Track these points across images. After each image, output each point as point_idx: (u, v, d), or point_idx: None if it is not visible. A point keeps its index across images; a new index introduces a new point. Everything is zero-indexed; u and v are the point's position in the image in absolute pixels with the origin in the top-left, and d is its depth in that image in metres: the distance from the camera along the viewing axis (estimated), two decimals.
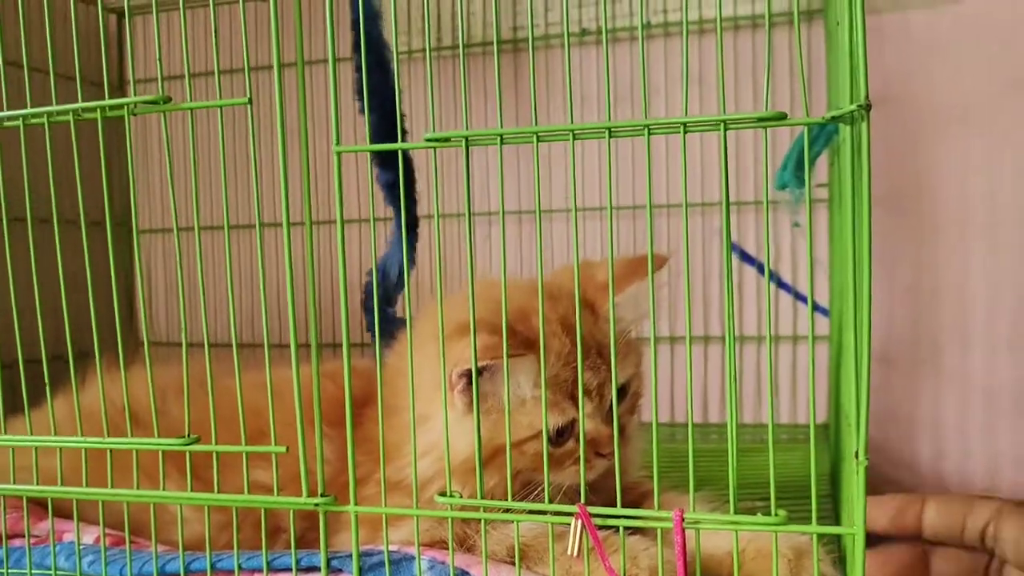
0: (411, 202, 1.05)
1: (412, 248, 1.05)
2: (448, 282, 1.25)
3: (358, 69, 1.01)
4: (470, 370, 0.59)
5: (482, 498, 0.58)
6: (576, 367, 0.60)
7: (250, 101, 0.59)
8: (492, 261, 1.30)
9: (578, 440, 0.65)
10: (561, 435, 0.67)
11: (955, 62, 1.11)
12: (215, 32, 0.60)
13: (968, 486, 1.13)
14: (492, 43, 1.30)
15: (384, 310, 1.04)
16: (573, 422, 0.66)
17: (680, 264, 1.19)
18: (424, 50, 1.33)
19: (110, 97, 0.63)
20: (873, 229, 1.26)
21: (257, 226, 0.60)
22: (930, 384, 1.14)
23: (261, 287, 0.59)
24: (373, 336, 0.86)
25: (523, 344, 0.63)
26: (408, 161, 1.04)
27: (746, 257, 1.19)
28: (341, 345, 0.59)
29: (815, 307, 1.15)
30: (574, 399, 0.65)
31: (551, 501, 0.58)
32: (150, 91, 0.62)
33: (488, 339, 0.60)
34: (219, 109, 0.60)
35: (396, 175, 0.96)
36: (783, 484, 0.81)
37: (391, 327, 0.91)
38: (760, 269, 1.19)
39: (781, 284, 1.18)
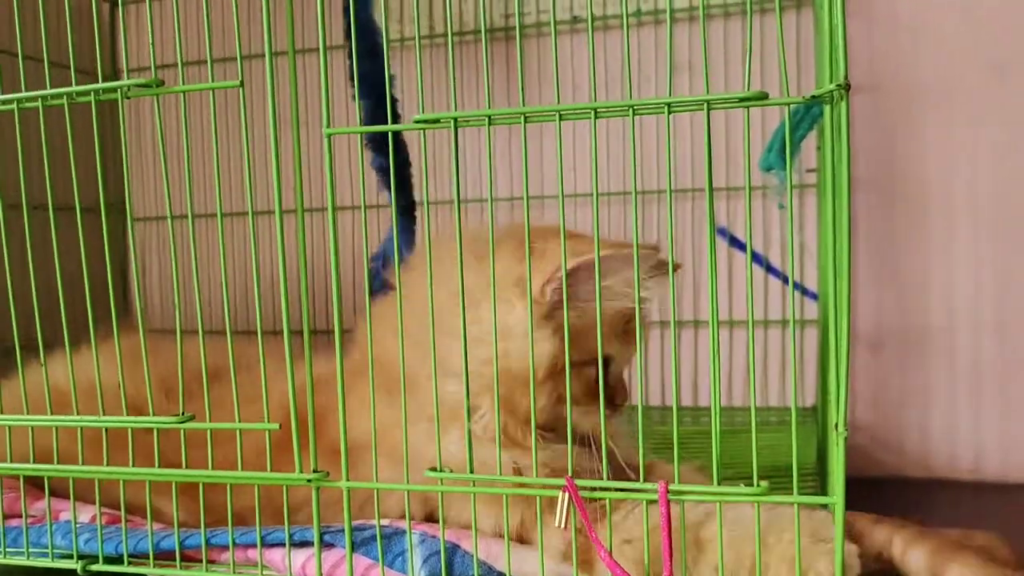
0: (406, 185, 1.05)
1: (411, 232, 1.05)
2: None
3: (351, 55, 1.02)
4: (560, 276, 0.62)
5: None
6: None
7: (242, 84, 0.59)
8: None
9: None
10: (607, 366, 0.69)
11: (940, 46, 1.13)
12: (207, 17, 0.61)
13: (954, 468, 1.14)
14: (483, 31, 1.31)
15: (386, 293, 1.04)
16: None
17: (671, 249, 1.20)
18: (414, 37, 1.34)
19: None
20: (862, 214, 1.27)
21: (250, 214, 0.61)
22: (918, 367, 1.15)
23: (255, 275, 0.60)
24: None
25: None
26: (402, 145, 1.04)
27: (736, 243, 1.20)
28: (334, 332, 0.60)
29: (804, 292, 1.16)
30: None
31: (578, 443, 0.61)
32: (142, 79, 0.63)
33: (576, 245, 0.64)
34: (211, 92, 0.61)
35: (389, 159, 0.97)
36: (774, 466, 0.82)
37: None
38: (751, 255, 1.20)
39: (770, 269, 1.19)
